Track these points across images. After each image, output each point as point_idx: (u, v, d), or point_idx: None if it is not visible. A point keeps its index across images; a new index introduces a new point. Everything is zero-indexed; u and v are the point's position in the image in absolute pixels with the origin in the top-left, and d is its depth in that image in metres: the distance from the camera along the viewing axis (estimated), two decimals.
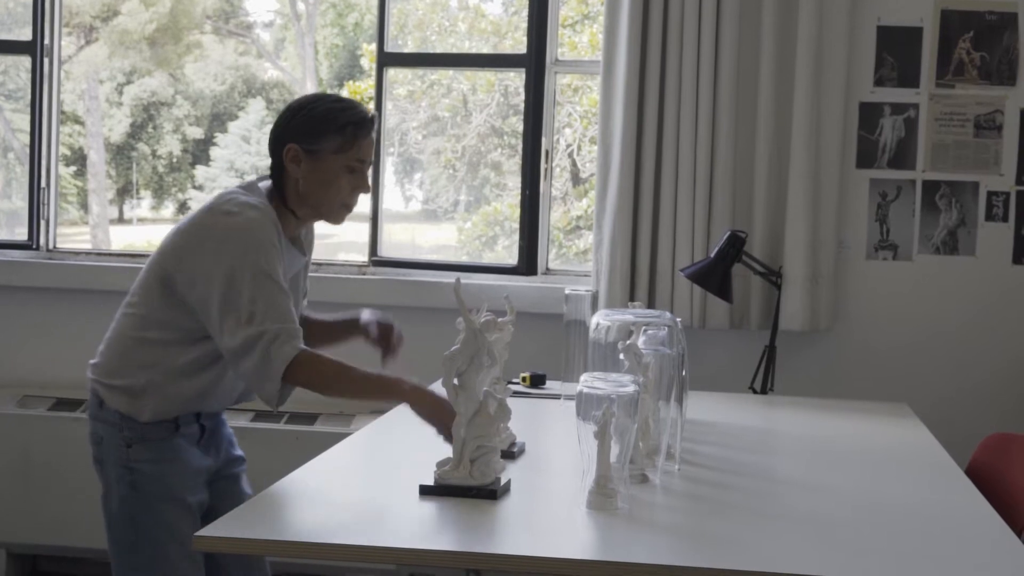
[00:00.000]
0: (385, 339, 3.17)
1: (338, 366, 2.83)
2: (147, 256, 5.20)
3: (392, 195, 6.00)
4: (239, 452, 3.20)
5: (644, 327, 2.87)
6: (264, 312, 2.74)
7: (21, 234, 5.38)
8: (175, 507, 2.88)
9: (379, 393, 2.85)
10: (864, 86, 4.72)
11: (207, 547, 2.25)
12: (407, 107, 5.79)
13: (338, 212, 3.00)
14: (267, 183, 3.00)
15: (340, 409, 4.87)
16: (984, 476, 3.19)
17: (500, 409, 2.55)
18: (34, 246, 5.28)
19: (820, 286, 4.65)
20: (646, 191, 4.66)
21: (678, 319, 2.93)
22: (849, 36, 4.65)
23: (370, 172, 3.03)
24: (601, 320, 2.88)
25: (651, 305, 4.67)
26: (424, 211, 6.41)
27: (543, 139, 4.98)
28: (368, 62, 5.92)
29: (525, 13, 5.04)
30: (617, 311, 3.02)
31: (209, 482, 3.03)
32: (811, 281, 4.61)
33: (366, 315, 3.24)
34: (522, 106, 5.06)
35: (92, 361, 3.00)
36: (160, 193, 7.39)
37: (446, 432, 2.65)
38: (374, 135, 3.01)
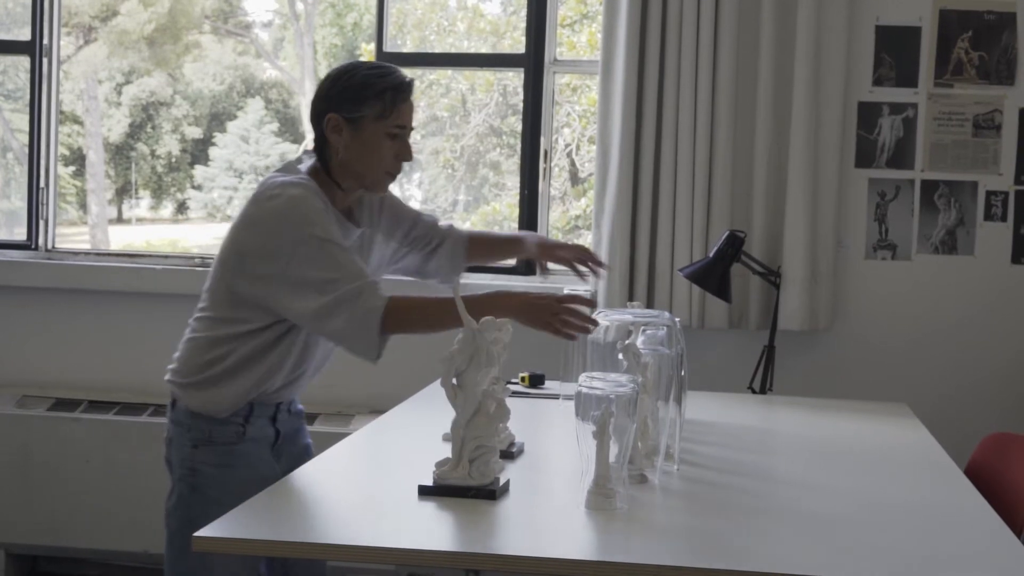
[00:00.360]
0: (584, 262, 3.41)
1: (427, 301, 2.85)
2: (146, 256, 5.23)
3: None
4: None
5: (643, 327, 2.87)
6: (339, 276, 2.74)
7: (20, 234, 5.38)
8: None
9: (477, 313, 2.78)
10: (863, 86, 4.72)
11: (206, 547, 2.25)
12: None
13: (382, 180, 2.98)
14: (308, 162, 2.99)
15: (339, 409, 4.87)
16: (983, 476, 3.19)
17: (499, 409, 2.55)
18: (33, 246, 5.29)
19: (819, 286, 4.65)
20: (645, 191, 4.66)
21: (677, 319, 2.93)
22: (848, 36, 4.65)
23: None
24: (600, 319, 2.88)
25: (650, 305, 4.66)
26: (423, 211, 6.40)
27: (542, 139, 4.98)
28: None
29: (524, 13, 5.04)
30: (616, 311, 3.02)
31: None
32: (810, 281, 4.61)
33: (531, 238, 3.42)
34: (521, 106, 5.06)
35: (170, 366, 3.00)
36: (159, 193, 7.38)
37: (560, 328, 2.74)
38: (413, 100, 2.99)
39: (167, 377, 2.99)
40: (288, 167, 2.97)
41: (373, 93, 2.89)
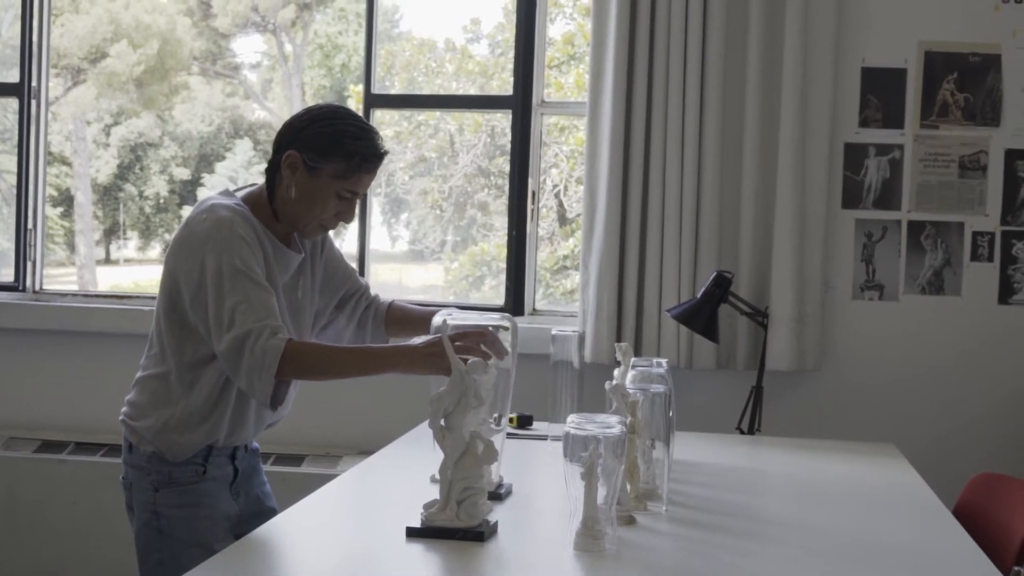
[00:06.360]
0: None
1: (326, 350, 2.83)
2: (134, 297, 5.22)
3: (379, 235, 6.01)
4: (272, 505, 3.13)
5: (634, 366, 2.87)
6: (244, 312, 2.69)
7: (7, 275, 5.37)
8: (202, 554, 2.71)
9: (371, 367, 2.80)
10: (849, 127, 4.75)
11: None
12: (394, 148, 5.80)
13: (314, 230, 2.94)
14: (251, 188, 2.97)
15: (327, 450, 4.86)
16: (972, 516, 3.19)
17: (487, 450, 2.54)
18: (20, 287, 5.28)
19: (806, 326, 4.65)
20: (632, 231, 4.67)
21: (664, 360, 2.92)
22: (834, 77, 4.67)
23: (358, 208, 2.99)
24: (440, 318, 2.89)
25: (637, 345, 4.66)
26: (411, 251, 6.40)
27: (529, 179, 5.00)
28: (355, 103, 5.93)
29: (512, 55, 5.07)
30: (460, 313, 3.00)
31: (234, 529, 2.94)
32: (797, 321, 4.62)
33: (438, 318, 3.06)
34: (509, 147, 5.08)
35: (123, 409, 2.97)
36: (147, 234, 7.37)
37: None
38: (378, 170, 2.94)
39: (121, 417, 2.96)
40: (227, 192, 2.94)
41: (341, 153, 2.84)
